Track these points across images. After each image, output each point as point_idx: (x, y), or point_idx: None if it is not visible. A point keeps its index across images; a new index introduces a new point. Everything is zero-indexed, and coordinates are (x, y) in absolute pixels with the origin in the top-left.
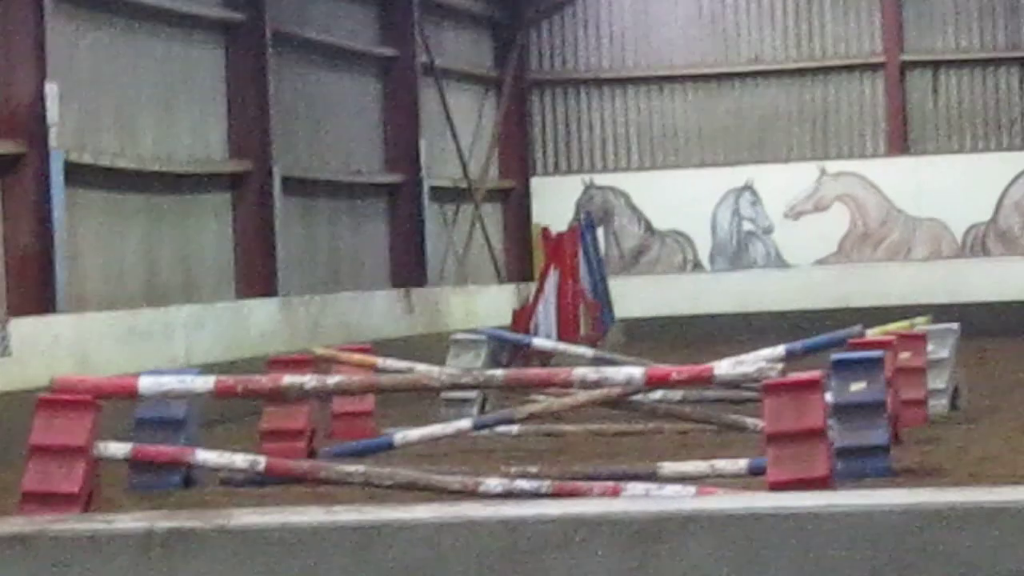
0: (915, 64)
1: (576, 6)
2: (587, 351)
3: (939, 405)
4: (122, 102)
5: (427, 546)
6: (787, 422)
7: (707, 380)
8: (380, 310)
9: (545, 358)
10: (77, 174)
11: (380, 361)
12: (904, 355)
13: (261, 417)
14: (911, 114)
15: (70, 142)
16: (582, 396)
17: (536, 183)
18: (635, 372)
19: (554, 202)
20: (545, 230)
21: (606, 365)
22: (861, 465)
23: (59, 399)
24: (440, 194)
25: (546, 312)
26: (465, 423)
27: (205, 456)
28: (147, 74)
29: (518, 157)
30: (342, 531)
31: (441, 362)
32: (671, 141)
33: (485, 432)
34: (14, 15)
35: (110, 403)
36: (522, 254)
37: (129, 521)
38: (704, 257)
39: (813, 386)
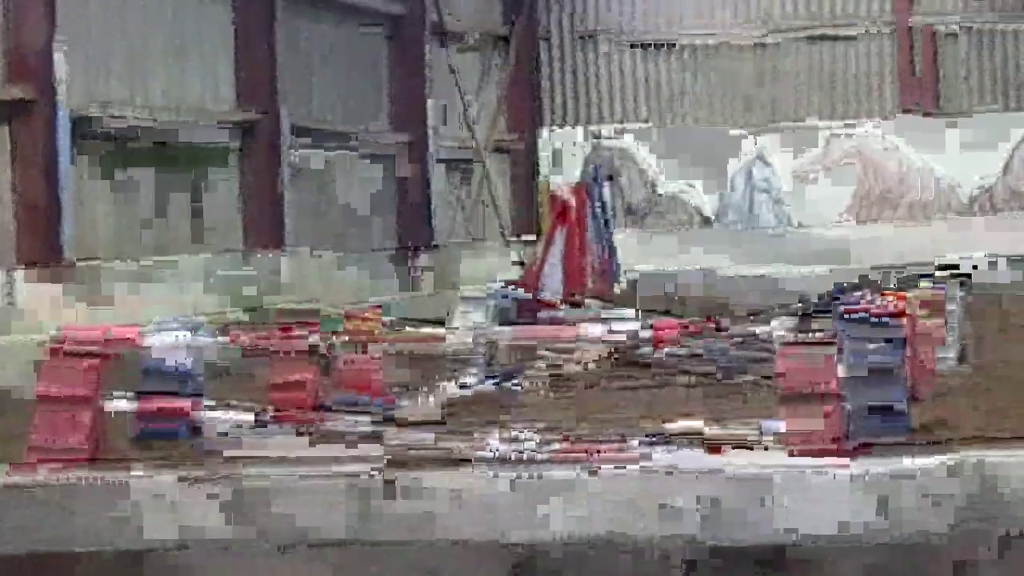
0: (926, 25)
1: None
2: (595, 307)
3: (948, 359)
4: (131, 52)
5: (434, 501)
6: (801, 382)
7: (716, 336)
8: (388, 267)
9: (552, 314)
10: (86, 124)
11: (387, 319)
12: (919, 313)
13: (269, 369)
14: (922, 75)
15: (79, 91)
16: (590, 352)
17: (544, 140)
18: (643, 328)
19: (562, 159)
20: (552, 195)
21: (614, 320)
22: (877, 425)
23: (66, 349)
24: (447, 152)
25: (553, 268)
26: (471, 379)
27: (212, 407)
28: (157, 24)
29: (527, 114)
30: (349, 484)
31: (449, 319)
32: (679, 101)
33: (491, 388)
34: None
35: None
36: (529, 211)
37: (136, 472)
38: (713, 215)
39: (827, 346)
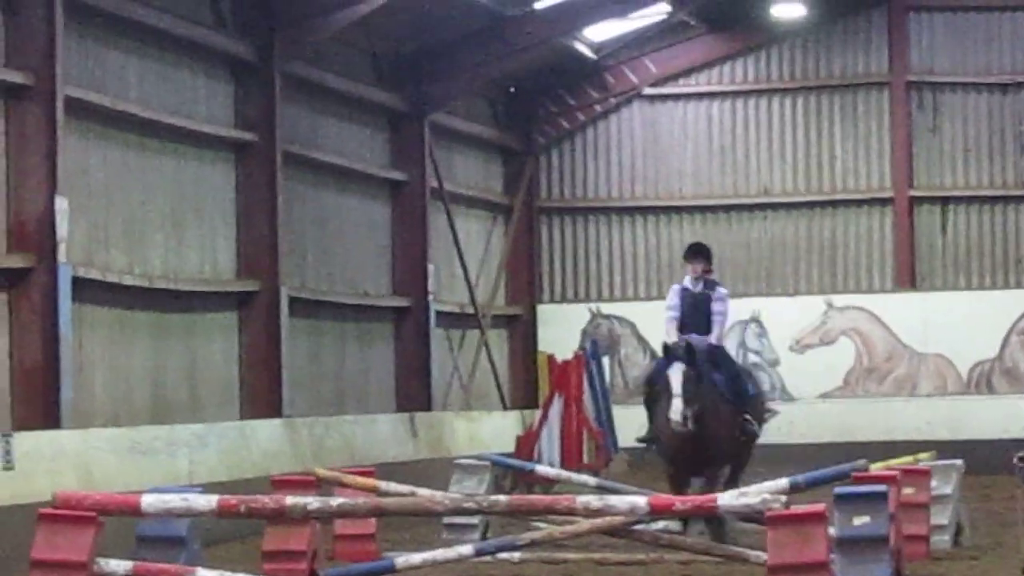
0: (924, 199)
1: (586, 134)
2: (590, 479)
3: (942, 541)
4: (131, 218)
5: None
6: (790, 554)
7: (710, 510)
8: (384, 433)
9: (548, 485)
10: (85, 289)
11: (383, 484)
12: (908, 490)
13: (263, 537)
14: (919, 249)
15: (79, 257)
16: (585, 524)
17: (543, 310)
18: (638, 501)
19: (560, 329)
20: (551, 358)
21: (609, 493)
22: None
23: (61, 514)
24: (447, 319)
25: (550, 439)
26: (467, 548)
27: (206, 575)
28: (157, 191)
29: (525, 283)
30: None
31: (444, 486)
32: (679, 271)
33: (487, 558)
34: (26, 128)
35: (112, 519)
36: (527, 381)
37: None
38: None
39: (816, 519)
